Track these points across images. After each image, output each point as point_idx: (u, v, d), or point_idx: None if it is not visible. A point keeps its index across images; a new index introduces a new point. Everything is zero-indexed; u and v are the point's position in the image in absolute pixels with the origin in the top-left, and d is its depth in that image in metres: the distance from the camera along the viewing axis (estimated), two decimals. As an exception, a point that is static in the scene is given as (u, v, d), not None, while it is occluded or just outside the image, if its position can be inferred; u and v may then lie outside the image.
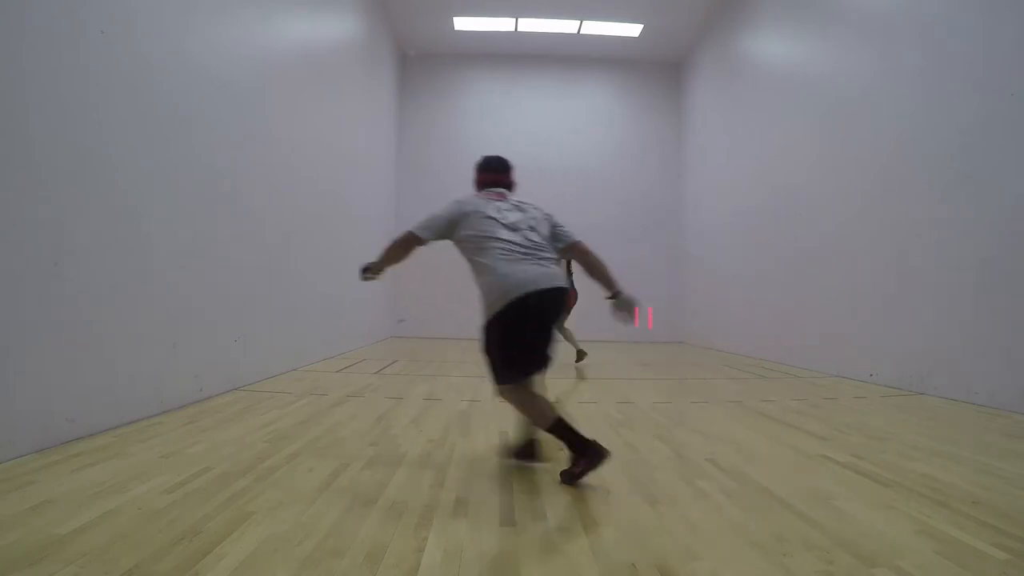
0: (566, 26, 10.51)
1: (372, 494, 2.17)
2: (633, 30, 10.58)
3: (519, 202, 2.72)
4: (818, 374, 6.21)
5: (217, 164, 4.16)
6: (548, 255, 2.56)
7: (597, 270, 2.72)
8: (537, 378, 2.55)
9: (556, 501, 2.15)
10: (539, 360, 2.51)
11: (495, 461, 2.69)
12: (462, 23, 10.49)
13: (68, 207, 2.75)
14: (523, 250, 2.49)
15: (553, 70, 11.79)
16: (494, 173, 2.86)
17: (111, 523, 1.80)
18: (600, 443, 2.34)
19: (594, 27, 10.51)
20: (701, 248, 10.69)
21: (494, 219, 2.55)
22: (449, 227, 2.60)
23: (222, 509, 1.95)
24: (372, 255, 2.72)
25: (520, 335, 2.43)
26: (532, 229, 2.59)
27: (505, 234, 2.51)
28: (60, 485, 2.13)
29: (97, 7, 2.94)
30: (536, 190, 11.44)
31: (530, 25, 10.52)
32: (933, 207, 4.88)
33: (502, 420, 3.64)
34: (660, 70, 11.90)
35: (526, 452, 2.68)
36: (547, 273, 2.47)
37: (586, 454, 2.33)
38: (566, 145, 11.74)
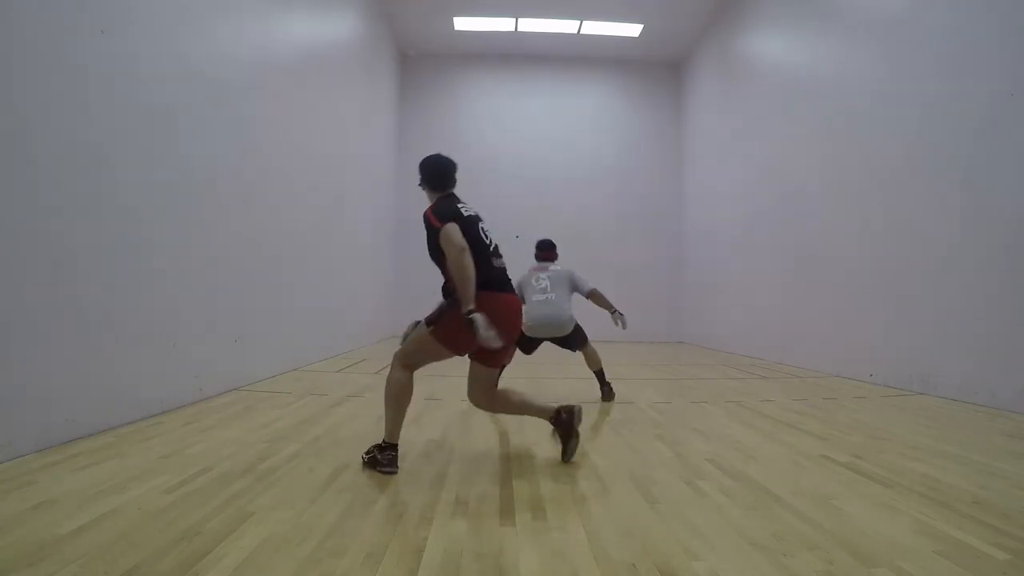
0: (566, 26, 10.51)
1: (372, 494, 2.17)
2: (633, 30, 10.58)
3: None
4: (818, 374, 6.21)
5: (217, 164, 4.16)
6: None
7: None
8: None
9: (556, 501, 2.15)
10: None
11: (495, 461, 2.69)
12: (462, 23, 10.49)
13: (68, 207, 2.75)
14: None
15: (553, 70, 11.79)
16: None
17: (111, 523, 1.80)
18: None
19: (594, 27, 10.51)
20: (701, 248, 10.69)
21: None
22: None
23: (222, 509, 1.95)
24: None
25: None
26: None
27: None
28: (60, 485, 2.13)
29: (98, 7, 2.94)
30: (536, 190, 11.55)
31: (530, 25, 10.52)
32: (933, 207, 4.88)
33: (502, 420, 3.64)
34: (660, 70, 11.90)
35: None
36: None
37: None
38: (566, 145, 11.75)
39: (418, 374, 2.60)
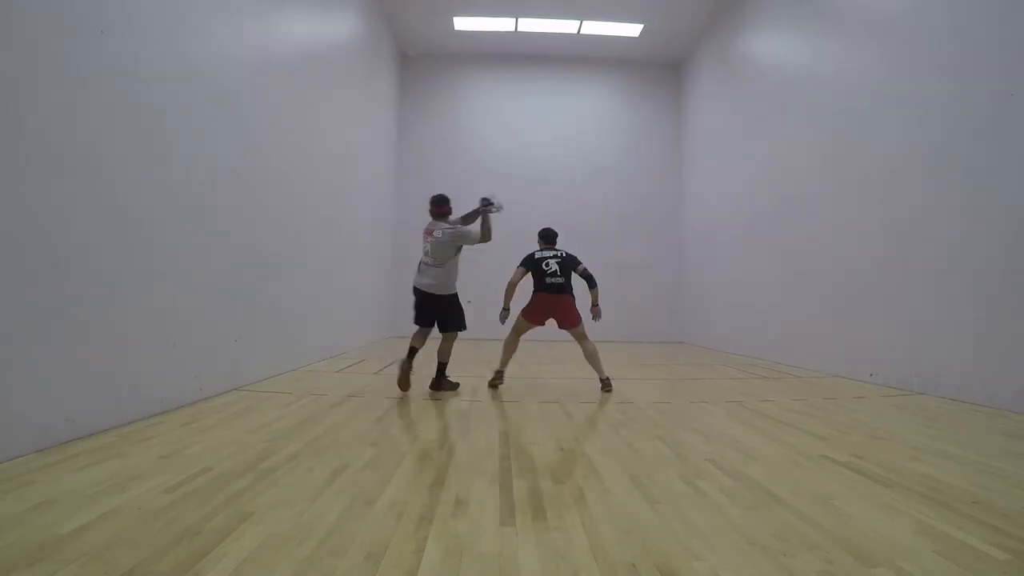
0: (566, 26, 10.51)
1: (372, 494, 2.17)
2: (633, 30, 10.58)
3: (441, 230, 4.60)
4: (818, 374, 6.21)
5: (217, 164, 4.16)
6: (433, 268, 4.59)
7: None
8: (424, 331, 4.71)
9: (556, 501, 2.15)
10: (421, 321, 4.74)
11: (495, 461, 2.69)
12: (462, 23, 10.49)
13: (67, 207, 2.74)
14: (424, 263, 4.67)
15: (553, 70, 11.79)
16: (432, 206, 4.61)
17: (111, 523, 1.80)
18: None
19: (594, 27, 10.51)
20: (701, 248, 10.69)
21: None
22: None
23: (222, 509, 1.95)
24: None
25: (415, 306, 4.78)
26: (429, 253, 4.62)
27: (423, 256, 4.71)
28: (60, 485, 2.13)
29: (98, 7, 2.94)
30: (536, 191, 11.55)
31: (530, 25, 10.51)
32: (933, 207, 4.88)
33: (502, 420, 3.65)
34: (660, 70, 11.90)
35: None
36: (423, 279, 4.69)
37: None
38: (566, 145, 11.74)
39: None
